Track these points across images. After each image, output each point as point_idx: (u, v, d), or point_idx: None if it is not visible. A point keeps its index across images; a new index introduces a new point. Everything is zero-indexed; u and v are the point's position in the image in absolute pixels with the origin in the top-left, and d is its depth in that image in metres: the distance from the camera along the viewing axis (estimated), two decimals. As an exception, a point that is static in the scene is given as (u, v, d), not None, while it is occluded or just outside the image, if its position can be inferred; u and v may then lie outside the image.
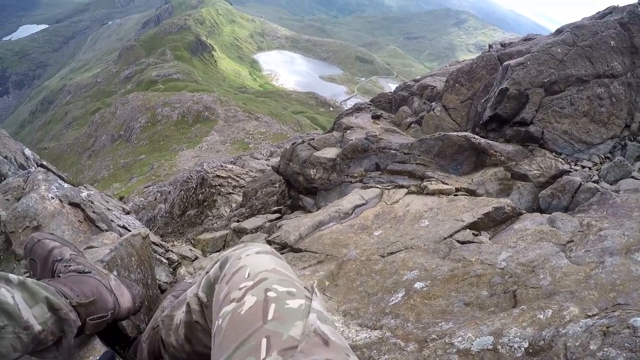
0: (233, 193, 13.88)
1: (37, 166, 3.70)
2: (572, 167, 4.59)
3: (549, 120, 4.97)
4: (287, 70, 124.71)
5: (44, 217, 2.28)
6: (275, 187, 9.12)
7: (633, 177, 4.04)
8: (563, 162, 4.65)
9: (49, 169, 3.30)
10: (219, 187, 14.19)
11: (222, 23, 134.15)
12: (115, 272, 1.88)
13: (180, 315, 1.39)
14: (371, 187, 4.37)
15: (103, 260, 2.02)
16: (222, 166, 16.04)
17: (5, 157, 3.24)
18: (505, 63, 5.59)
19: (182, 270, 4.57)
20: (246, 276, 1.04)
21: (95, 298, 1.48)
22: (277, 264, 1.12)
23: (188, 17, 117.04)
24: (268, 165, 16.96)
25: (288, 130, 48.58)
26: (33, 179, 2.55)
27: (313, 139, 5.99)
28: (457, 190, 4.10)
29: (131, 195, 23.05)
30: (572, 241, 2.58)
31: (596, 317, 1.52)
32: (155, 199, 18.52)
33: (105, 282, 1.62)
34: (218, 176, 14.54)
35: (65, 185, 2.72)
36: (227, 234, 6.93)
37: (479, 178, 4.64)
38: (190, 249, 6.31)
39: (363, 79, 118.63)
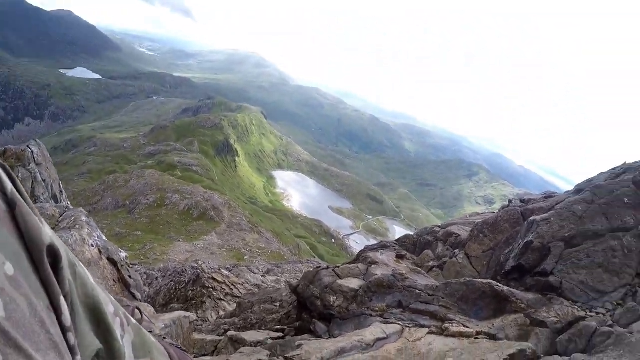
0: (224, 300, 13.43)
1: (68, 204, 3.61)
2: (588, 314, 4.83)
3: (567, 271, 5.30)
4: (299, 192, 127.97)
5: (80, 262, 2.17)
6: (276, 305, 8.85)
7: (645, 320, 4.27)
8: (579, 309, 4.88)
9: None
10: (211, 289, 13.78)
11: (253, 132, 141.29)
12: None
13: None
14: (392, 322, 4.56)
15: (159, 334, 1.89)
16: (219, 270, 15.70)
17: (44, 181, 3.20)
18: (531, 218, 6.01)
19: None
20: None
21: None
22: None
23: (224, 118, 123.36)
24: (263, 282, 16.66)
25: (286, 252, 48.39)
26: (75, 217, 2.47)
27: (338, 266, 6.00)
28: (478, 333, 4.33)
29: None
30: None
31: None
32: (139, 279, 17.86)
33: None
34: (214, 279, 14.20)
35: (104, 237, 2.63)
36: (219, 340, 6.54)
37: (500, 323, 4.80)
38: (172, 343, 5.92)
39: (370, 217, 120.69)
